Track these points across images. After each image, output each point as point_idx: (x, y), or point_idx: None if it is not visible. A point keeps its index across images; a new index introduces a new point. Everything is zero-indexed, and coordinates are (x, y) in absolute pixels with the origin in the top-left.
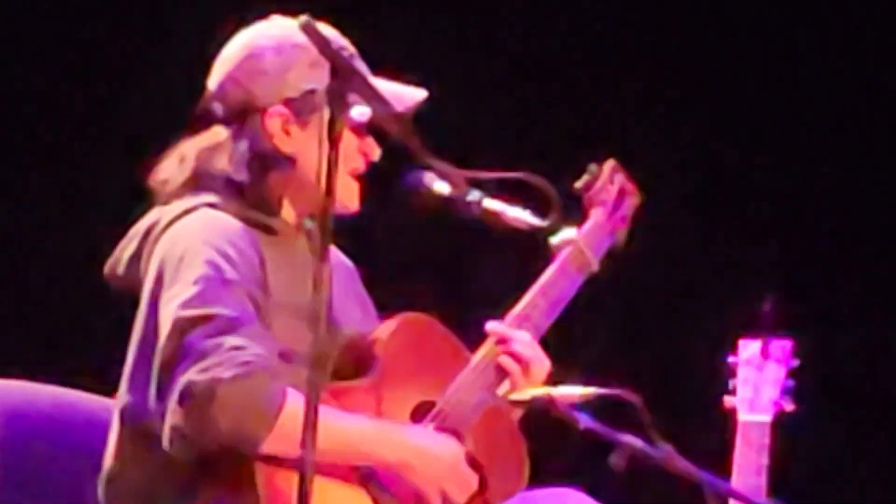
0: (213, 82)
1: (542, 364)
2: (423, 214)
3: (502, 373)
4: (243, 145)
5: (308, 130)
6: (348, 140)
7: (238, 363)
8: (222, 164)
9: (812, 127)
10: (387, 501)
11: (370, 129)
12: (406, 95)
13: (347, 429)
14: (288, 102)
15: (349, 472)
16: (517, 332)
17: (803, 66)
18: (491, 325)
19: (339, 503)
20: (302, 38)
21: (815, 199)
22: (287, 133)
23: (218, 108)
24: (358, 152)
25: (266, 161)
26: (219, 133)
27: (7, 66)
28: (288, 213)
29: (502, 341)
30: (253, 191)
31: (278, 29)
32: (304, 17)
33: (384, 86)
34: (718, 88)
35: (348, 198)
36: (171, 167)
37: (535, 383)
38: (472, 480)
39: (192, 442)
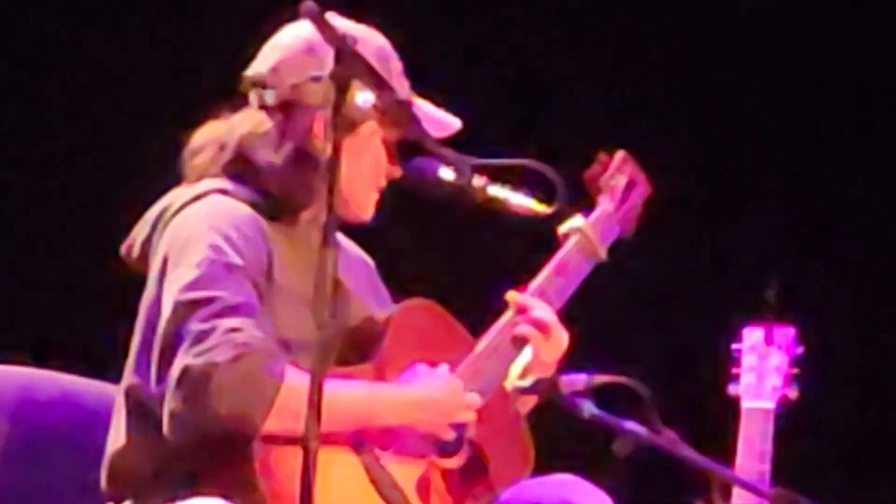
0: (263, 65)
1: (562, 332)
2: (428, 201)
3: (520, 344)
4: (289, 140)
5: (351, 140)
6: (379, 159)
7: (234, 345)
8: (267, 155)
9: (813, 115)
10: (377, 470)
11: (400, 148)
12: (446, 122)
13: (345, 398)
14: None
15: (343, 438)
16: (537, 301)
17: (805, 58)
18: (511, 295)
19: (332, 472)
20: (365, 47)
21: (819, 187)
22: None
23: (267, 93)
24: (383, 170)
25: (307, 160)
26: (262, 121)
27: (18, 50)
28: (312, 213)
29: (522, 310)
30: (287, 185)
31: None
32: (307, 3)
33: (425, 108)
34: (723, 77)
35: (366, 206)
36: (208, 152)
37: (556, 350)
38: (474, 400)
39: (191, 426)
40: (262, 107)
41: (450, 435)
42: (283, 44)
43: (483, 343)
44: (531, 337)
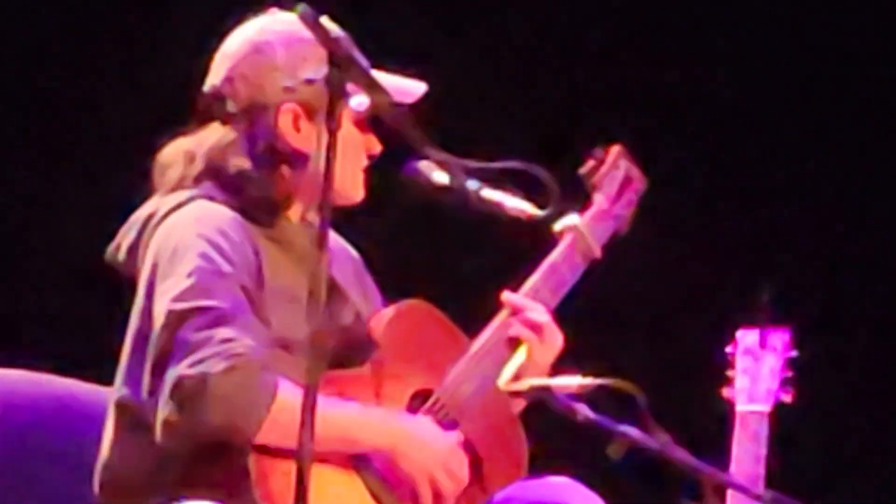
0: (216, 77)
1: (557, 333)
2: (421, 203)
3: (514, 345)
4: (258, 143)
5: (317, 125)
6: (355, 136)
7: (229, 356)
8: (238, 162)
9: (811, 118)
10: (379, 488)
11: (370, 121)
12: (408, 89)
13: (339, 416)
14: (297, 97)
15: (343, 458)
16: (532, 302)
17: (807, 60)
18: (506, 295)
19: (332, 489)
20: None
21: (816, 189)
22: (298, 129)
23: (225, 104)
24: (362, 148)
25: (279, 158)
26: (224, 131)
27: (14, 56)
28: (296, 209)
29: (516, 311)
30: (263, 187)
31: (283, 24)
32: (302, 5)
33: (386, 79)
34: (724, 81)
35: (354, 189)
36: (179, 165)
37: (550, 351)
38: (464, 471)
39: (185, 436)
40: (226, 117)
41: (426, 491)
42: (230, 52)
43: (477, 344)
44: (525, 338)
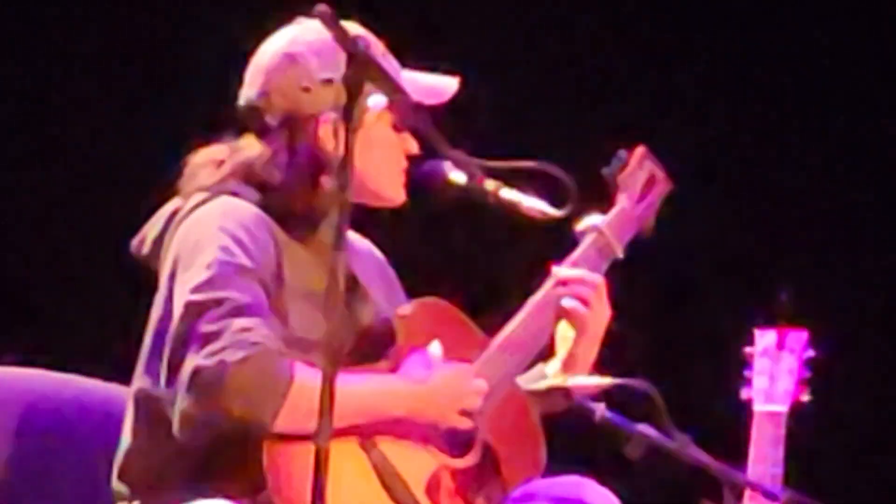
0: (251, 91)
1: (605, 302)
2: (439, 203)
3: (560, 315)
4: (300, 154)
5: (359, 134)
6: (395, 140)
7: (246, 345)
8: (280, 175)
9: (829, 118)
10: (387, 470)
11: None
12: (441, 87)
13: (352, 392)
14: (337, 106)
15: (352, 439)
16: (581, 272)
17: (820, 59)
18: (556, 268)
19: (341, 474)
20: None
21: (835, 189)
22: (337, 139)
23: (262, 117)
24: (402, 150)
25: (320, 167)
26: (261, 144)
27: (39, 53)
28: (332, 219)
29: (563, 283)
30: (305, 199)
31: (314, 32)
32: (321, 6)
33: (418, 77)
34: (742, 80)
35: (395, 191)
36: (208, 170)
37: (602, 321)
38: (476, 389)
39: (202, 426)
40: (263, 131)
41: (463, 423)
42: (263, 64)
43: (497, 342)
44: (575, 311)
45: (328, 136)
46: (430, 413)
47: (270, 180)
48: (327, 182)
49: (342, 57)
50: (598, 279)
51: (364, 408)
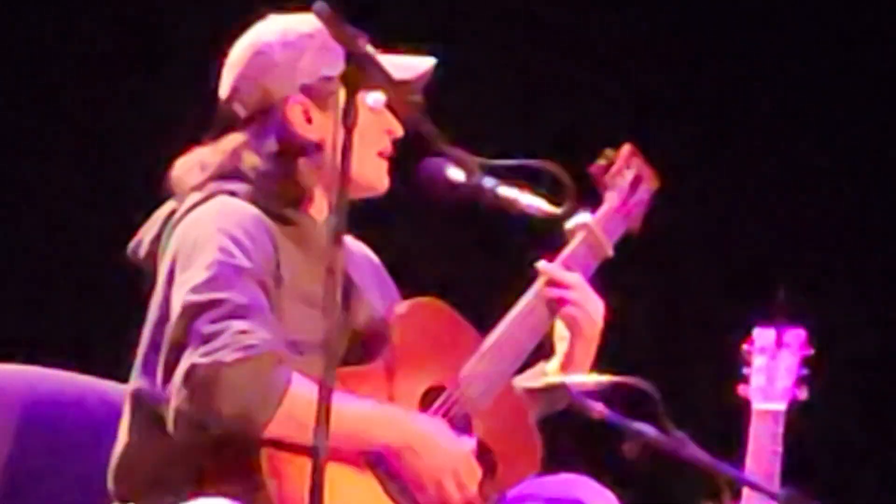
0: (224, 88)
1: (598, 301)
2: (435, 201)
3: (552, 315)
4: (270, 140)
5: (329, 114)
6: (370, 121)
7: (242, 346)
8: (252, 161)
9: (828, 116)
10: (393, 486)
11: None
12: (416, 65)
13: (352, 411)
14: (305, 89)
15: (357, 455)
16: (568, 273)
17: (819, 58)
18: (542, 265)
19: (346, 486)
20: (305, 27)
21: (833, 187)
22: (309, 120)
23: (236, 110)
24: (381, 132)
25: (294, 151)
26: (237, 137)
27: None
28: (320, 204)
29: (553, 283)
30: (284, 183)
31: (279, 23)
32: (318, 3)
33: (392, 59)
34: (736, 75)
35: (377, 179)
36: (194, 172)
37: (596, 322)
38: (473, 482)
39: (196, 425)
40: (238, 124)
41: (453, 495)
42: (233, 61)
43: (490, 340)
44: (571, 315)
45: (298, 119)
46: (421, 462)
47: (250, 170)
48: (304, 165)
49: (308, 42)
50: (575, 277)
51: (362, 433)
